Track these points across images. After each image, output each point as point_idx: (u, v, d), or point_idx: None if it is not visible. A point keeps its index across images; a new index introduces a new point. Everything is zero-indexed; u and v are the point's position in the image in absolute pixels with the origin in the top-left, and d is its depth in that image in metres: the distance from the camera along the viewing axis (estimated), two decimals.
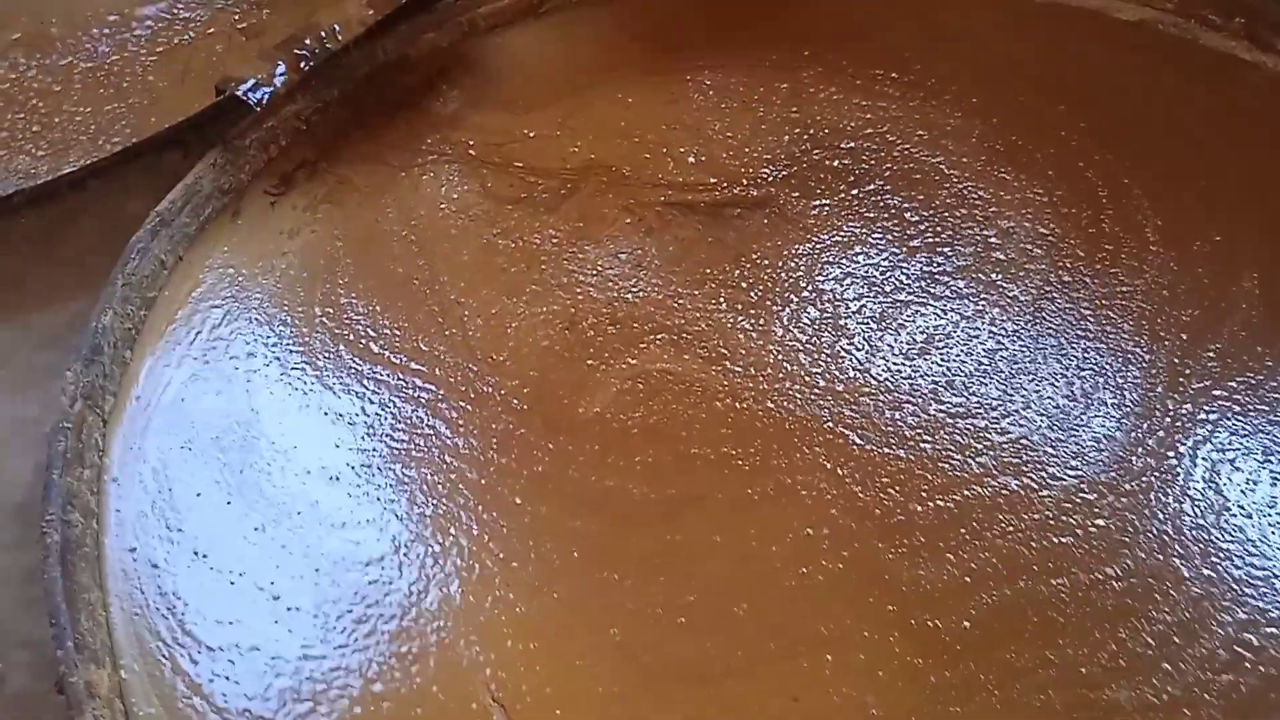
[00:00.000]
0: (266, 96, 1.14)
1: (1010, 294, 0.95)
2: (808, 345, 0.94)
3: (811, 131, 1.12)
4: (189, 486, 0.92)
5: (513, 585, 0.82)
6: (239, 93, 1.13)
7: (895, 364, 0.91)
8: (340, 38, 1.21)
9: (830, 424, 0.88)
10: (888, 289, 0.97)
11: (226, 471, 0.92)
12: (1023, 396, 0.88)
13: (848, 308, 0.96)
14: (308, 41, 1.19)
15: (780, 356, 0.93)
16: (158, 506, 0.91)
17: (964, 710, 0.73)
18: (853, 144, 1.10)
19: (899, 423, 0.87)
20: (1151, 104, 1.10)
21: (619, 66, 1.25)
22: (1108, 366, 0.90)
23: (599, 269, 1.03)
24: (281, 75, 1.15)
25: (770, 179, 1.08)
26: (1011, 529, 0.80)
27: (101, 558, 0.88)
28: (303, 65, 1.17)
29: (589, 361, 0.95)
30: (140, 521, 0.90)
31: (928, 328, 0.93)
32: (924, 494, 0.83)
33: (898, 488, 0.83)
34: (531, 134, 1.18)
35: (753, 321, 0.96)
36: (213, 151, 1.15)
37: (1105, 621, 0.76)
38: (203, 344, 1.03)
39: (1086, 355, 0.90)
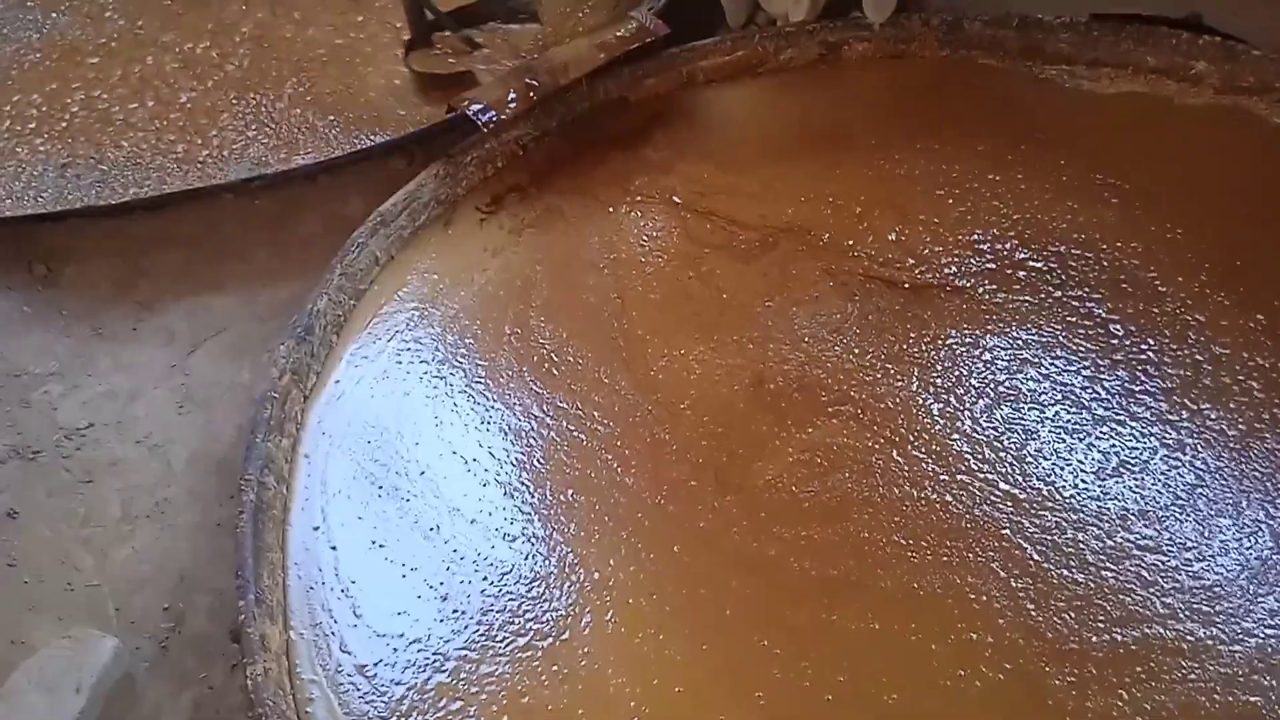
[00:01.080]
0: (495, 119, 1.20)
1: (1217, 426, 0.91)
2: (994, 443, 0.92)
3: (1020, 228, 1.10)
4: (372, 479, 0.97)
5: (664, 629, 0.83)
6: (469, 112, 1.20)
7: (1084, 482, 0.88)
8: (570, 74, 1.26)
9: (1009, 532, 0.86)
10: (1085, 399, 0.94)
11: (409, 471, 0.97)
12: (1221, 541, 0.83)
13: (1041, 412, 0.94)
14: (539, 72, 1.25)
15: (966, 449, 0.92)
16: (342, 493, 0.96)
17: None
18: (1061, 247, 1.08)
19: (1081, 545, 0.84)
20: None
21: (830, 136, 1.26)
22: None
23: (793, 328, 1.04)
24: (513, 101, 1.21)
25: (973, 270, 1.07)
26: (1194, 677, 0.76)
27: (287, 524, 0.93)
28: (531, 95, 1.23)
29: (771, 425, 0.96)
30: (326, 504, 0.95)
31: (1123, 449, 0.90)
32: (1101, 624, 0.79)
33: (1073, 613, 0.80)
34: (736, 189, 1.20)
35: (942, 406, 0.95)
36: (436, 163, 1.21)
37: None
38: (399, 344, 1.08)
39: None
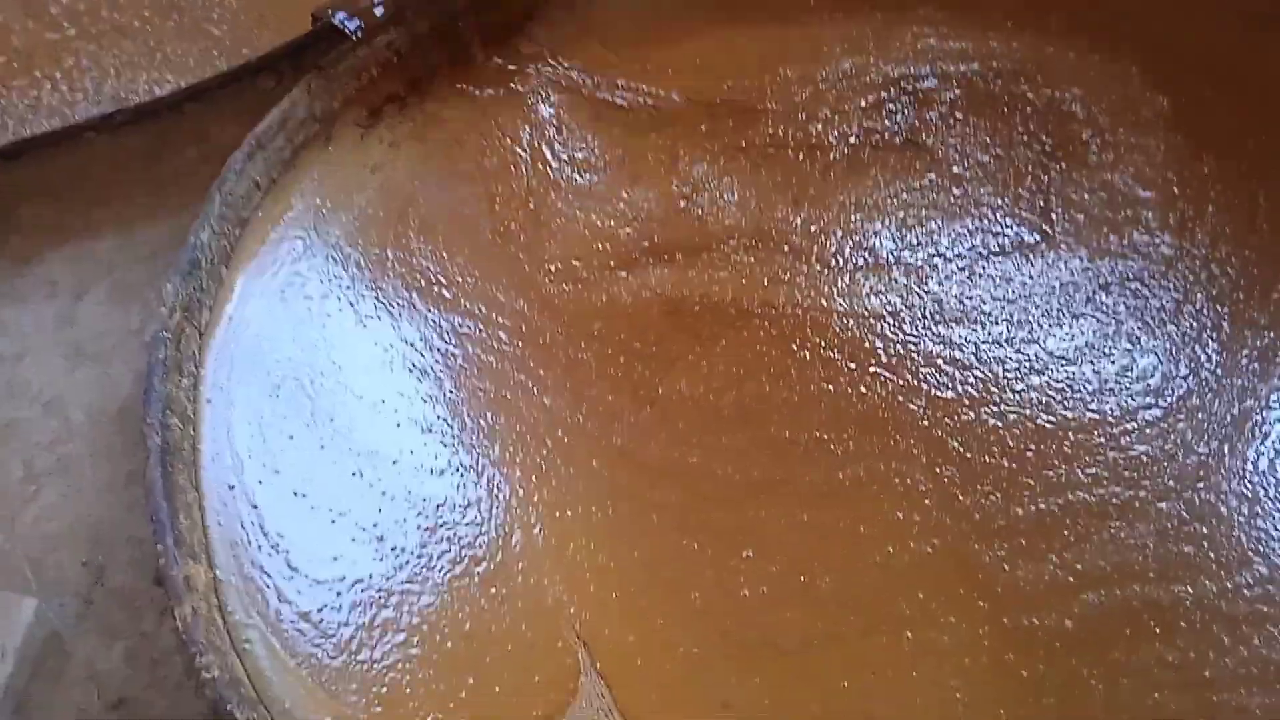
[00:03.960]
0: (362, 27, 1.14)
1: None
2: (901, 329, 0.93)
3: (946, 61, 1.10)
4: (280, 430, 0.94)
5: (594, 537, 0.84)
6: (335, 20, 1.14)
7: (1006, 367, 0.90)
8: None
9: (927, 425, 0.87)
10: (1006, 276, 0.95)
11: (317, 418, 0.94)
12: (1147, 417, 0.85)
13: (941, 278, 0.95)
14: None
15: (880, 344, 0.92)
16: (252, 449, 0.93)
17: (1059, 701, 0.72)
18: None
19: (1002, 434, 0.85)
20: None
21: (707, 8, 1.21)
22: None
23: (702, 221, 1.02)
24: (379, 6, 1.15)
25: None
26: (1124, 535, 0.79)
27: (199, 466, 0.91)
28: None
29: (688, 340, 0.95)
30: (236, 461, 0.92)
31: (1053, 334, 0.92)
32: (1025, 498, 0.81)
33: (999, 494, 0.82)
34: (623, 69, 1.16)
35: (850, 303, 0.95)
36: (307, 77, 1.15)
37: (1236, 627, 0.74)
38: (284, 277, 1.04)
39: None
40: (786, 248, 1.00)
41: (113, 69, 1.31)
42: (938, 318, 0.94)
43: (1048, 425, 0.86)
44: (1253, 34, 1.07)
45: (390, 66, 1.21)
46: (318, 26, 1.18)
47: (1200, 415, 0.84)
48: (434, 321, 0.99)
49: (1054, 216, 0.98)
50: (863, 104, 1.08)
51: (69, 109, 1.24)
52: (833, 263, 0.98)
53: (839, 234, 1.00)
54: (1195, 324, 0.90)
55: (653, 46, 1.18)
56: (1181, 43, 1.08)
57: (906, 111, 1.06)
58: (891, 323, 0.94)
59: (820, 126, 1.07)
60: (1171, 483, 0.81)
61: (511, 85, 1.18)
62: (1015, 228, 0.98)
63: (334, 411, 0.94)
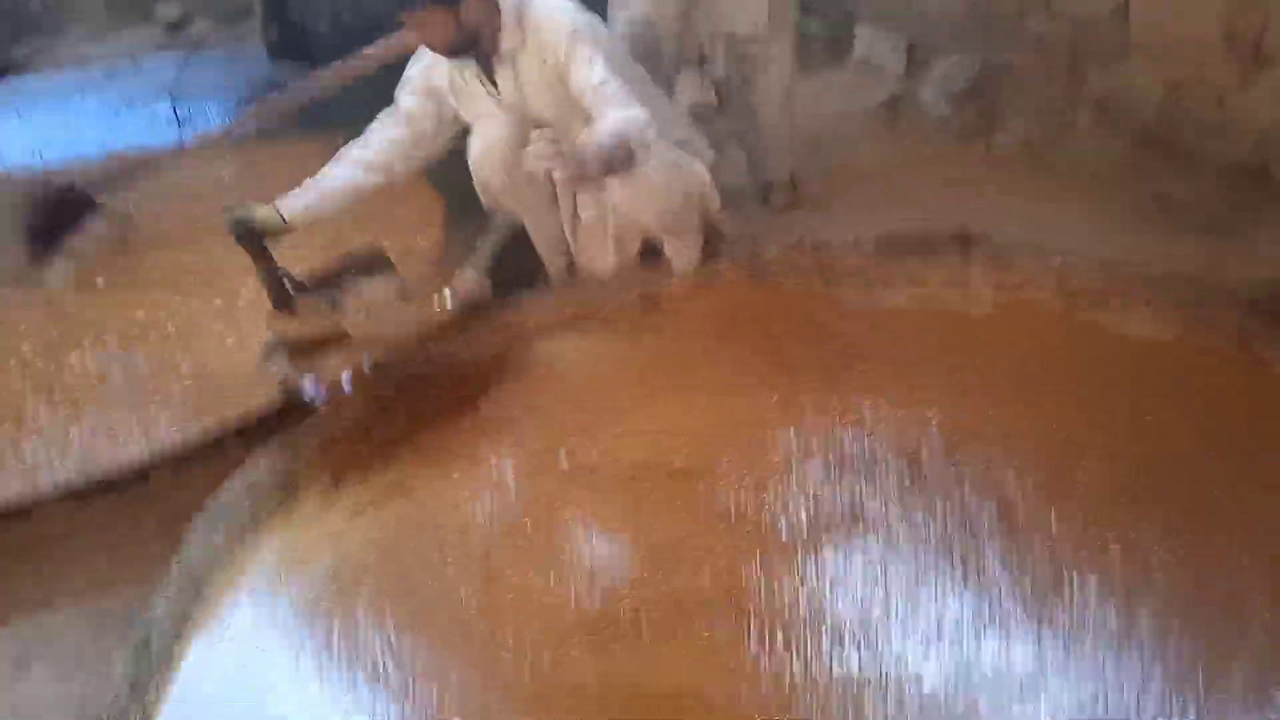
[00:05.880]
0: (329, 396, 1.22)
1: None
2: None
3: (847, 438, 1.18)
4: None
5: None
6: (303, 390, 1.22)
7: None
8: (404, 341, 1.30)
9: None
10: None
11: None
12: None
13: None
14: (373, 343, 1.28)
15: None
16: None
17: None
18: (878, 442, 1.16)
19: None
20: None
21: (662, 373, 1.33)
22: None
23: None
24: (347, 376, 1.23)
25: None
26: None
27: None
28: (365, 367, 1.26)
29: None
30: None
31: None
32: None
33: None
34: (580, 432, 1.23)
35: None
36: (273, 443, 1.21)
37: None
38: (234, 651, 1.03)
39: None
40: (752, 616, 1.00)
41: (77, 438, 1.36)
42: (898, 688, 0.92)
43: None
44: (1192, 414, 1.15)
45: (355, 432, 1.27)
46: (286, 395, 1.26)
47: None
48: (380, 712, 0.96)
49: (998, 588, 1.00)
50: (808, 474, 1.14)
51: (31, 477, 1.27)
52: (793, 633, 0.98)
53: (800, 603, 1.01)
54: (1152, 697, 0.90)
55: (612, 410, 1.26)
56: (1115, 417, 1.16)
57: (851, 481, 1.12)
58: (855, 691, 0.93)
59: (773, 496, 1.12)
60: None
61: (473, 448, 1.23)
62: (963, 598, 0.99)
63: None
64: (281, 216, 1.33)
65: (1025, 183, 1.83)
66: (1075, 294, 1.32)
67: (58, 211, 1.77)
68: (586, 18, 1.38)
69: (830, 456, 1.16)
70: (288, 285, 1.40)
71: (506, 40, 1.35)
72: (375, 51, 1.82)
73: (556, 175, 1.26)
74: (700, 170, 1.44)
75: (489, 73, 1.39)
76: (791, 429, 1.20)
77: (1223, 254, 1.59)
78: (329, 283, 1.44)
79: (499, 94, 1.40)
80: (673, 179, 1.37)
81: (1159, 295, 1.28)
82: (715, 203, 1.47)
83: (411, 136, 1.41)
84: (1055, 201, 1.77)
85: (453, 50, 1.35)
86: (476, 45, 1.35)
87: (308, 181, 1.37)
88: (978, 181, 1.83)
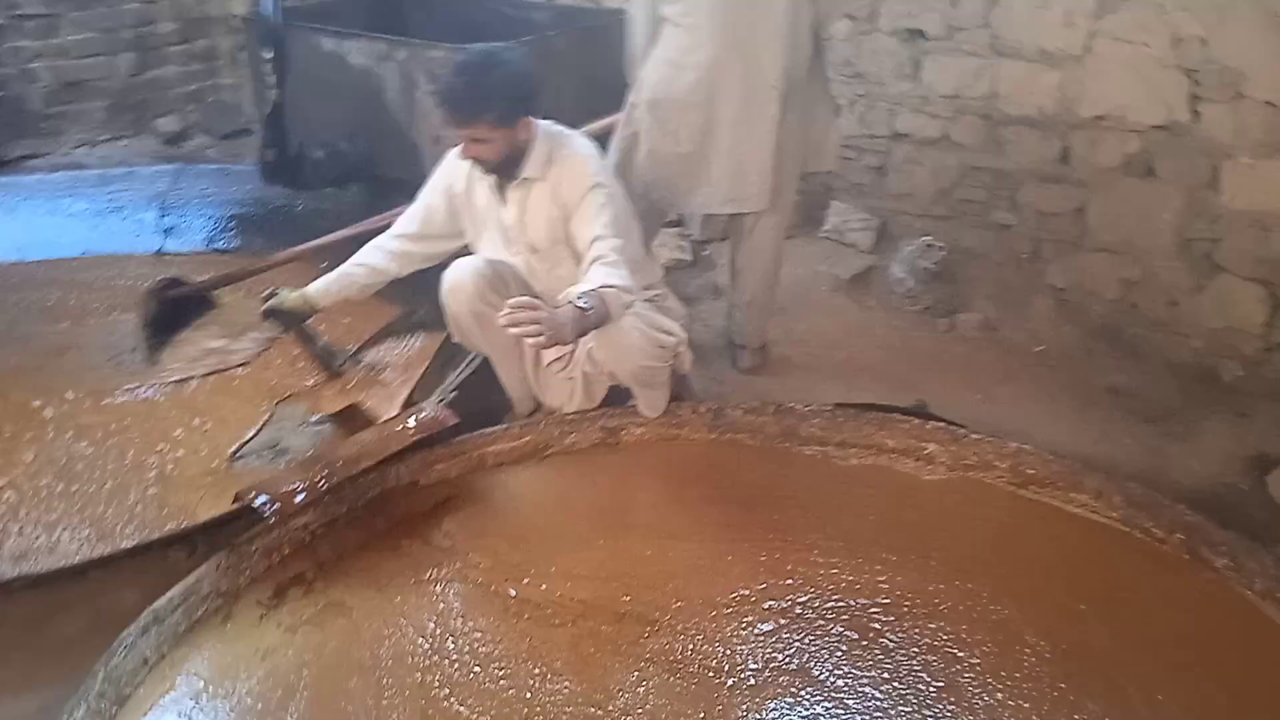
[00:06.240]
0: (279, 509, 1.20)
1: None
2: None
3: (800, 594, 1.18)
4: None
5: None
6: (255, 504, 1.20)
7: None
8: (361, 463, 1.30)
9: None
10: None
11: None
12: None
13: None
14: (331, 462, 1.28)
15: None
16: None
17: None
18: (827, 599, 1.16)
19: None
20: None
21: (614, 514, 1.33)
22: None
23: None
24: (301, 492, 1.22)
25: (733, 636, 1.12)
26: None
27: None
28: (321, 484, 1.25)
29: None
30: None
31: None
32: None
33: None
34: (527, 569, 1.22)
35: None
36: (218, 554, 1.18)
37: None
38: None
39: None
40: None
41: (14, 532, 1.33)
42: None
43: None
44: (1148, 575, 1.19)
45: (302, 548, 1.25)
46: (237, 506, 1.24)
47: None
48: None
49: None
50: (757, 630, 1.14)
51: None
52: None
53: None
54: None
55: (559, 551, 1.25)
56: (1058, 588, 1.18)
57: (800, 640, 1.12)
58: None
59: (721, 648, 1.11)
60: None
61: (420, 574, 1.22)
62: None
63: None
64: (307, 299, 1.56)
65: (984, 361, 1.90)
66: (1026, 481, 1.36)
67: (177, 307, 1.81)
68: (609, 175, 1.45)
69: (781, 614, 1.16)
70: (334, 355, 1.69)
71: (530, 169, 1.41)
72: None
73: (529, 342, 1.27)
74: (677, 330, 1.47)
75: (502, 190, 1.44)
76: (742, 583, 1.20)
77: (1168, 446, 1.66)
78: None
79: (504, 211, 1.44)
80: (650, 338, 1.40)
81: (1105, 486, 1.32)
82: (688, 363, 1.51)
83: (422, 229, 1.54)
84: (1012, 382, 1.84)
85: (495, 168, 1.41)
86: (510, 166, 1.40)
87: (340, 268, 1.57)
88: (939, 357, 1.91)
